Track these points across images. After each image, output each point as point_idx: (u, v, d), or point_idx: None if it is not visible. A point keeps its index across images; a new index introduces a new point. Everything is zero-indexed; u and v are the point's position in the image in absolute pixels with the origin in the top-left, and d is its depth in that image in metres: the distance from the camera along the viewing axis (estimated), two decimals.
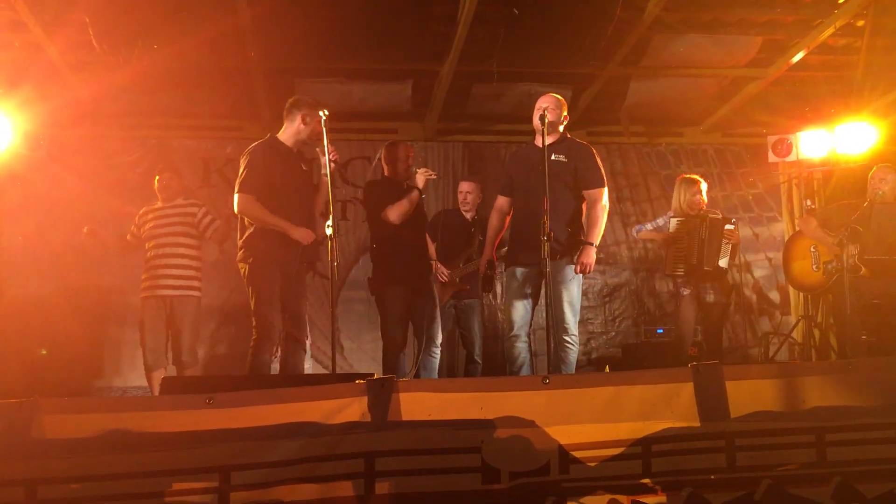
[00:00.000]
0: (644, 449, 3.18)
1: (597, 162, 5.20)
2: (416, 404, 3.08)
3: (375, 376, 3.21)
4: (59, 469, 2.79)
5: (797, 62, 7.36)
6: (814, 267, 6.28)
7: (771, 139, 8.00)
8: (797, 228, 7.28)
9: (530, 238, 4.89)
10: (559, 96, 5.36)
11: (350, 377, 3.26)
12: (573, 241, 5.07)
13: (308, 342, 5.19)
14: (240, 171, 5.08)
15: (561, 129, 5.25)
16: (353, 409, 3.03)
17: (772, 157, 8.03)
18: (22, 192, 7.45)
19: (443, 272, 6.25)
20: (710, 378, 3.26)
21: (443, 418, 3.09)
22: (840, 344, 7.16)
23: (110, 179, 7.63)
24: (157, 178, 6.34)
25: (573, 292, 5.05)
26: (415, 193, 5.44)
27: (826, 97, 7.97)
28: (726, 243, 6.19)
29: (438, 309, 5.69)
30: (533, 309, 5.18)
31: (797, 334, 7.87)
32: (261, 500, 2.91)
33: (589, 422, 3.18)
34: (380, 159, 5.81)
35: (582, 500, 3.11)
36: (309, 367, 7.05)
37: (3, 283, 7.40)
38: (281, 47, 6.88)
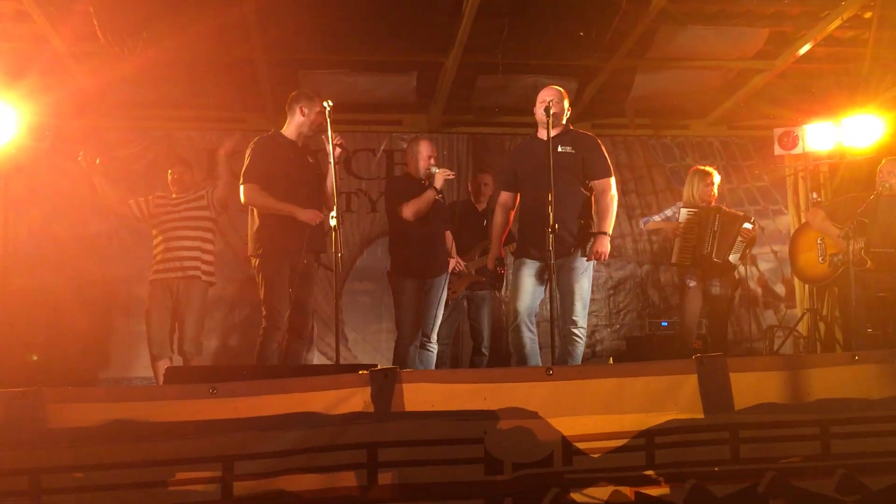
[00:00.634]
0: (648, 440, 3.19)
1: (603, 152, 5.19)
2: (420, 395, 3.08)
3: (379, 367, 3.22)
4: (63, 458, 2.80)
5: (803, 54, 7.31)
6: (820, 259, 6.26)
7: (777, 132, 7.95)
8: (804, 220, 7.25)
9: (540, 230, 4.88)
10: (560, 88, 5.34)
11: (353, 368, 3.25)
12: (584, 233, 5.06)
13: (314, 333, 5.23)
14: (244, 162, 5.24)
15: (564, 120, 5.24)
16: (356, 399, 3.04)
17: (778, 150, 7.98)
18: (27, 184, 7.47)
19: (459, 263, 6.27)
20: (715, 370, 3.26)
21: (446, 409, 3.09)
22: (845, 337, 7.15)
23: (115, 171, 7.62)
24: (170, 171, 6.35)
25: (584, 285, 5.04)
26: (430, 193, 5.57)
27: (832, 90, 7.92)
28: (741, 241, 6.20)
29: (442, 306, 5.73)
30: (539, 300, 5.18)
31: (802, 327, 7.84)
32: (264, 489, 2.92)
33: (592, 413, 3.18)
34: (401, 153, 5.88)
35: (585, 491, 3.12)
36: (313, 359, 7.09)
37: (10, 274, 7.42)
38: (286, 38, 6.87)
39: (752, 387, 3.28)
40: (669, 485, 3.16)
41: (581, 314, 5.06)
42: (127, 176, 7.56)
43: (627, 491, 3.13)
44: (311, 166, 5.40)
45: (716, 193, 6.35)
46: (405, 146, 8.24)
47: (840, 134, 7.66)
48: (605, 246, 5.01)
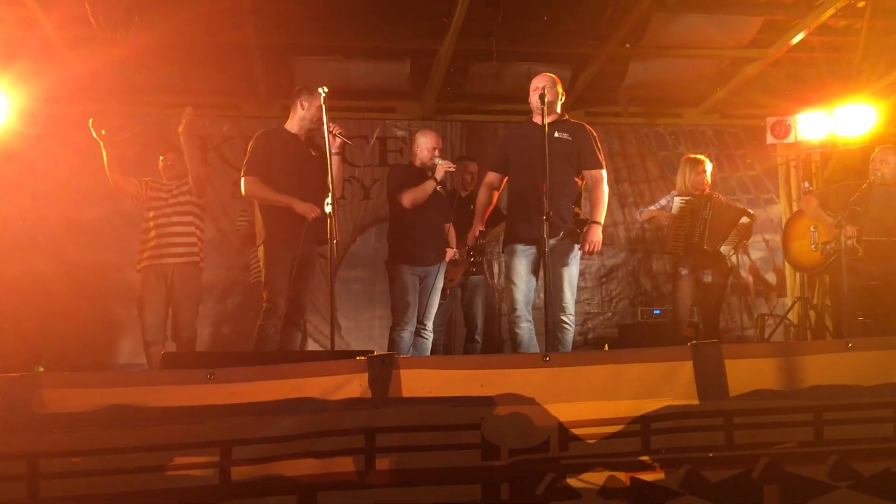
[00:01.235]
0: (643, 426, 3.20)
1: (598, 143, 5.22)
2: (417, 381, 3.09)
3: (375, 353, 3.22)
4: (60, 443, 2.79)
5: (796, 43, 7.32)
6: (812, 247, 6.29)
7: (769, 121, 7.99)
8: (797, 208, 7.28)
9: (533, 216, 4.89)
10: (553, 75, 5.35)
11: (350, 354, 3.26)
12: (575, 221, 5.07)
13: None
14: (246, 157, 5.37)
15: (559, 107, 5.25)
16: (354, 385, 3.04)
17: (770, 139, 8.02)
18: (18, 169, 7.40)
19: (456, 253, 6.29)
20: (710, 356, 3.28)
21: (443, 395, 3.10)
22: (836, 325, 7.20)
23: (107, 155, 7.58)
24: (162, 157, 6.33)
25: (573, 272, 5.07)
26: (430, 183, 5.63)
27: (825, 78, 7.95)
28: (736, 234, 6.23)
29: (438, 294, 5.77)
30: (534, 288, 5.19)
31: (793, 316, 7.89)
32: (262, 474, 2.92)
33: (589, 399, 3.19)
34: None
35: (581, 476, 3.13)
36: (306, 347, 7.10)
37: (2, 261, 7.38)
38: (279, 24, 6.87)
39: (747, 373, 3.30)
40: (664, 470, 3.17)
41: (570, 300, 5.10)
42: (119, 161, 7.52)
43: (623, 476, 3.15)
44: (314, 160, 5.45)
45: (709, 181, 6.37)
46: (399, 133, 8.28)
47: (832, 123, 7.69)
48: (597, 235, 5.03)
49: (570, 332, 5.06)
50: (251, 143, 5.37)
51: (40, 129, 7.22)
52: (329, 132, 5.05)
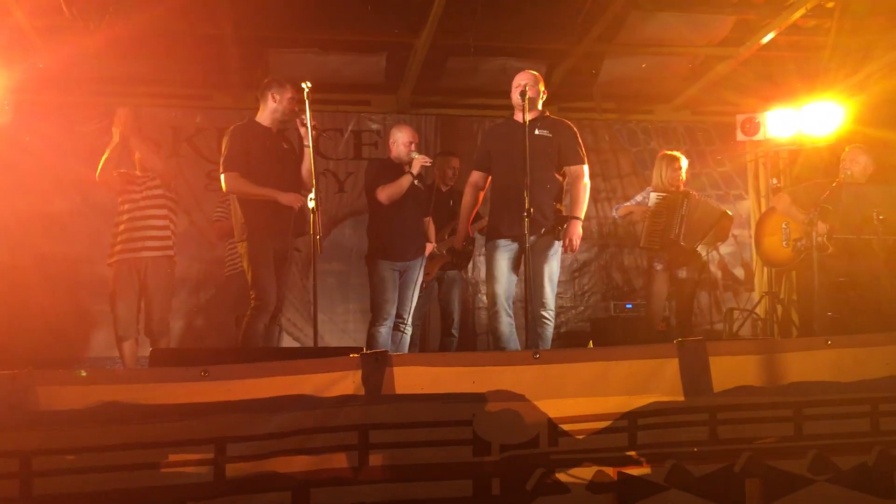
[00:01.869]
0: (630, 422, 3.26)
1: (579, 140, 5.27)
2: (410, 378, 3.12)
3: (366, 351, 3.25)
4: (54, 440, 2.78)
5: (767, 42, 7.43)
6: (784, 243, 6.40)
7: (739, 118, 8.11)
8: (770, 205, 7.41)
9: (515, 212, 4.93)
10: (536, 73, 5.41)
11: (343, 351, 3.28)
12: (556, 217, 5.13)
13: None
14: (222, 151, 5.31)
15: (540, 105, 5.31)
16: (348, 382, 3.06)
17: (740, 136, 8.15)
18: None
19: (435, 248, 6.32)
20: (695, 354, 3.35)
21: (435, 392, 3.13)
22: (803, 320, 7.35)
23: (78, 146, 7.48)
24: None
25: (553, 268, 5.13)
26: (406, 178, 5.65)
27: (793, 77, 8.07)
28: (714, 234, 6.33)
29: (418, 288, 5.79)
30: (515, 283, 5.24)
31: (761, 310, 8.04)
32: (256, 471, 2.94)
33: (577, 396, 3.25)
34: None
35: (570, 471, 3.19)
36: (281, 341, 7.07)
37: None
38: (254, 15, 6.80)
39: (731, 370, 3.38)
40: (650, 465, 3.24)
41: (550, 296, 5.16)
42: (89, 152, 7.43)
43: (610, 471, 3.21)
44: (287, 152, 5.48)
45: (684, 178, 6.46)
46: (374, 126, 8.28)
47: (800, 121, 7.83)
48: (577, 231, 5.10)
49: (550, 327, 5.12)
50: (226, 138, 5.31)
51: (9, 118, 7.08)
52: (303, 125, 5.12)
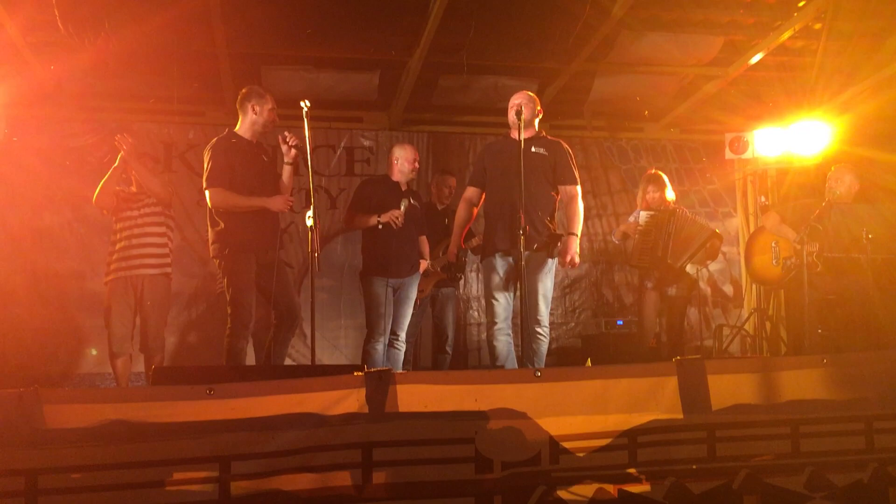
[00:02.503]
0: (630, 440, 3.31)
1: (572, 159, 5.34)
2: (413, 396, 3.15)
3: (367, 369, 3.27)
4: (60, 458, 2.78)
5: (755, 63, 7.54)
6: (774, 262, 6.47)
7: (728, 137, 8.23)
8: (760, 224, 7.49)
9: (510, 228, 4.98)
10: (532, 94, 5.48)
11: (345, 369, 3.31)
12: (551, 234, 5.17)
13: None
14: (204, 167, 5.24)
15: (536, 124, 5.37)
16: (352, 400, 3.09)
17: (728, 154, 8.26)
18: None
19: (427, 263, 6.36)
20: (693, 372, 3.40)
21: (438, 409, 3.16)
22: (792, 337, 7.42)
23: (70, 161, 7.50)
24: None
25: (548, 284, 5.17)
26: (372, 219, 5.74)
27: (780, 97, 8.18)
28: (703, 253, 6.38)
29: (412, 305, 5.82)
30: (511, 300, 5.27)
31: (749, 327, 8.11)
32: (261, 489, 2.95)
33: (578, 413, 3.29)
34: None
35: (571, 489, 3.22)
36: None
37: None
38: (248, 32, 6.82)
39: (729, 388, 3.43)
40: (650, 482, 3.28)
41: (545, 312, 5.19)
42: (81, 167, 7.44)
43: (611, 488, 3.24)
44: (267, 165, 5.45)
45: (667, 197, 6.50)
46: (366, 143, 8.33)
47: (788, 140, 7.93)
48: (575, 247, 5.15)
49: (545, 343, 5.15)
50: (208, 153, 5.21)
51: (2, 134, 7.08)
52: (284, 142, 5.15)
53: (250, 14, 6.53)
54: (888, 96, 7.35)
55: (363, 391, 3.09)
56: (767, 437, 3.43)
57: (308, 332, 7.91)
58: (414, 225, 5.87)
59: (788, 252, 6.26)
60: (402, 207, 5.71)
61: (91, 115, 7.71)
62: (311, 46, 7.14)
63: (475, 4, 6.42)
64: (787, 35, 7.07)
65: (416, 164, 5.90)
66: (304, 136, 4.91)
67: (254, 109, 5.29)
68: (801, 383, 3.50)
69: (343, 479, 3.03)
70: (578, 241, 5.20)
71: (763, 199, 8.36)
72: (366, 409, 3.08)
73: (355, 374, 3.14)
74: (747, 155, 8.16)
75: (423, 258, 6.05)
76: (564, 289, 8.44)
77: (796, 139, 7.88)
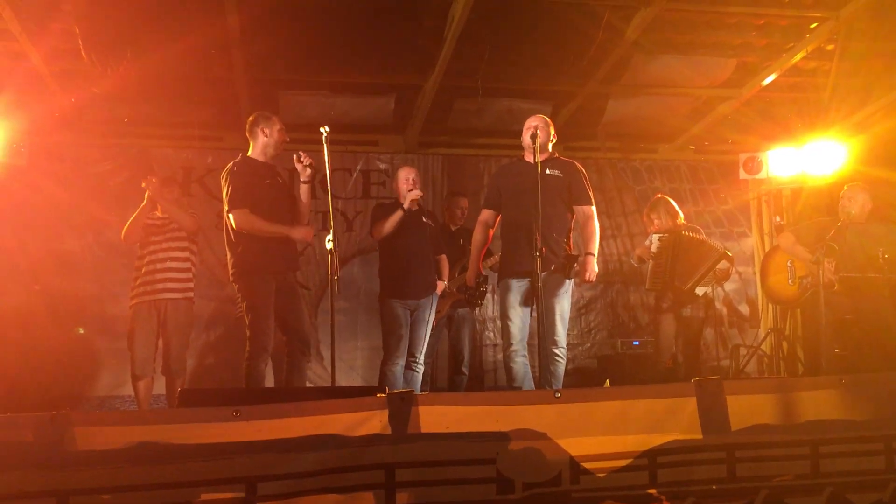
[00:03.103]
0: (650, 460, 3.33)
1: (587, 180, 5.39)
2: (435, 417, 3.19)
3: (388, 391, 3.31)
4: (90, 480, 2.84)
5: (768, 83, 7.59)
6: (789, 281, 6.49)
7: (742, 157, 8.25)
8: (775, 244, 7.50)
9: (526, 249, 5.03)
10: (547, 118, 5.54)
11: (368, 390, 3.35)
12: (567, 255, 5.22)
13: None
14: (224, 192, 5.28)
15: (550, 147, 5.42)
16: (375, 421, 3.13)
17: (742, 175, 8.28)
18: (1, 201, 7.37)
19: (444, 284, 6.40)
20: (712, 393, 3.43)
21: (460, 431, 3.20)
22: (808, 356, 7.42)
23: (90, 187, 7.60)
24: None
25: (564, 305, 5.20)
26: (398, 213, 5.75)
27: (793, 117, 8.23)
28: (713, 276, 6.40)
29: (430, 326, 5.85)
30: (528, 322, 5.31)
31: (766, 346, 8.11)
32: None
33: (598, 434, 3.32)
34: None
35: None
36: None
37: None
38: (266, 58, 6.93)
39: (747, 409, 3.46)
40: (670, 502, 3.30)
41: (562, 333, 5.23)
42: (100, 193, 7.55)
43: None
44: (283, 186, 5.52)
45: (675, 219, 6.54)
46: (382, 166, 8.41)
47: (802, 159, 7.96)
48: (593, 266, 5.20)
49: (562, 364, 5.18)
50: (227, 176, 5.25)
51: (24, 160, 7.19)
52: (299, 161, 5.22)
53: (268, 41, 6.63)
54: None
55: (386, 412, 3.13)
56: (787, 458, 3.44)
57: (326, 354, 8.04)
58: (429, 246, 5.92)
59: (804, 271, 6.28)
60: (409, 199, 5.73)
61: (111, 140, 7.83)
62: (328, 72, 7.24)
63: (489, 29, 6.50)
64: (799, 56, 7.13)
65: (413, 183, 5.87)
66: (324, 161, 4.97)
67: (263, 132, 5.36)
68: (820, 403, 3.52)
69: (367, 499, 3.07)
70: (596, 261, 5.24)
71: (778, 218, 8.37)
72: (388, 431, 3.12)
73: (378, 395, 3.18)
74: (762, 175, 8.18)
75: (441, 279, 6.08)
76: (580, 309, 8.46)
77: (810, 159, 7.90)
